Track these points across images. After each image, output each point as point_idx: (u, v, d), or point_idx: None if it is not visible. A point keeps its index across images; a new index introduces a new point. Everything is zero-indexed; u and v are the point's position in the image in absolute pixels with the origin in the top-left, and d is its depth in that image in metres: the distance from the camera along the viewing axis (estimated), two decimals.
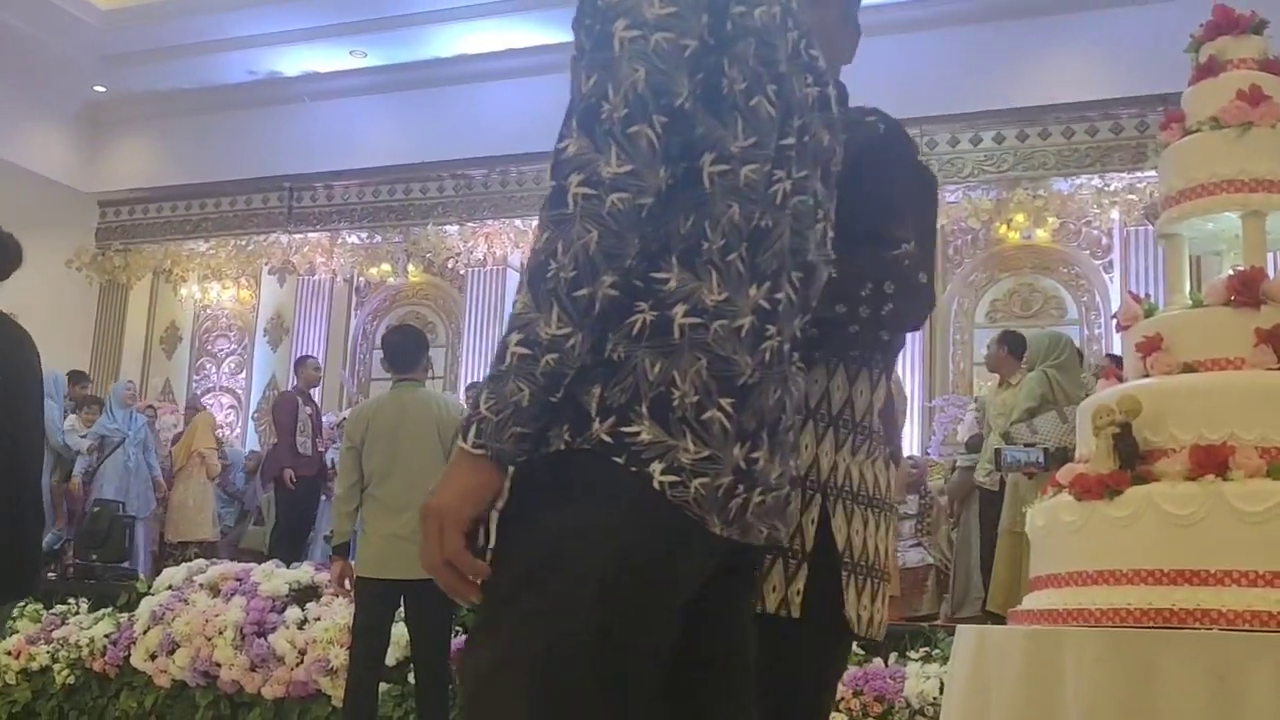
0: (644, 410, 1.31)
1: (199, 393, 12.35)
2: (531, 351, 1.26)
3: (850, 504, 1.68)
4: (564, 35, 1.41)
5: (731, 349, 1.36)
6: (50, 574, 8.18)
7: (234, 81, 11.92)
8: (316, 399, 10.07)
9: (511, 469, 1.32)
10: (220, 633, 6.13)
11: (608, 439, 1.30)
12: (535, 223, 1.35)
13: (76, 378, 10.37)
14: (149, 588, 6.84)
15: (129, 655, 6.41)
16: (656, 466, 1.30)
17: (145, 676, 6.38)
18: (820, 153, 1.50)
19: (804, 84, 1.48)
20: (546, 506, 1.31)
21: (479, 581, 1.30)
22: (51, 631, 6.80)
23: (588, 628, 1.27)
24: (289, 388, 10.24)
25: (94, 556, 8.04)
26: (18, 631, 6.86)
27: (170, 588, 6.66)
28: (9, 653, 6.77)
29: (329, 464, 8.85)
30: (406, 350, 4.94)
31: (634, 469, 1.30)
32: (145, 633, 6.37)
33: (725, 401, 1.34)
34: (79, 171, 12.74)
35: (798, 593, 1.63)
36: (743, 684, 1.46)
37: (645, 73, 1.30)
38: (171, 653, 6.24)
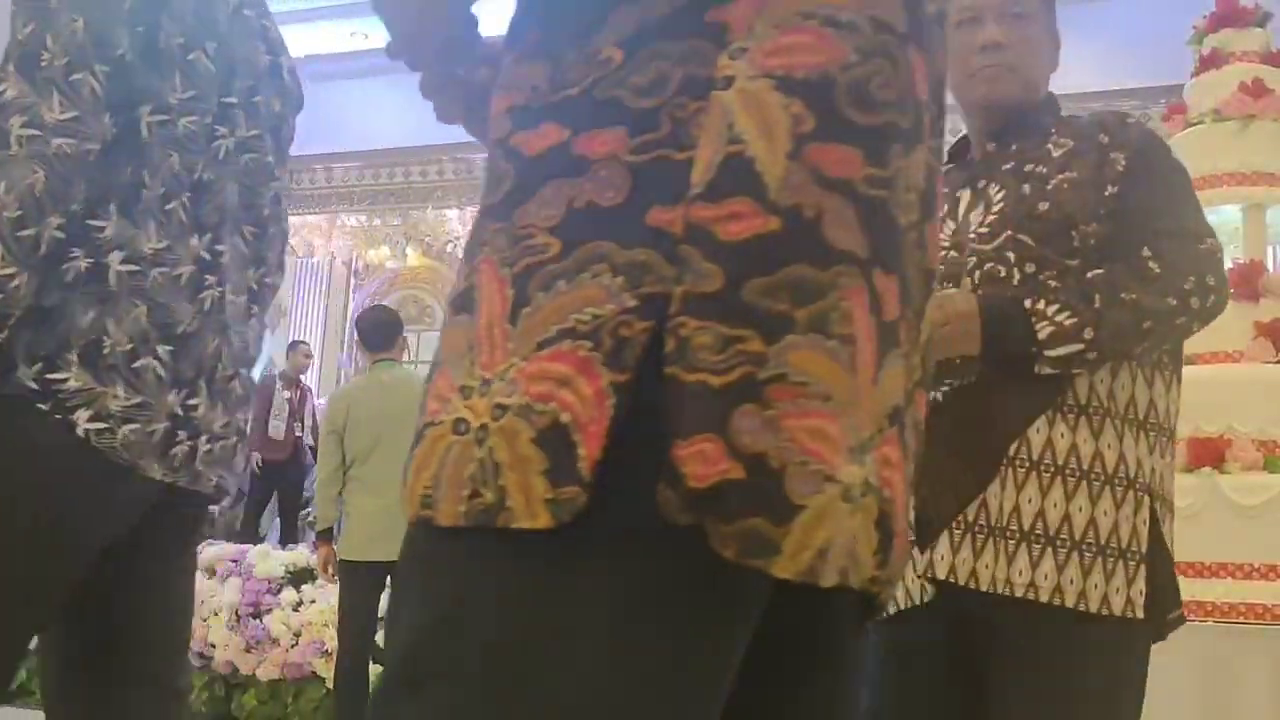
0: (73, 357, 1.33)
1: None
2: None
3: (1162, 507, 1.69)
4: None
5: (170, 297, 1.40)
6: None
7: None
8: (314, 384, 10.05)
9: None
10: (215, 614, 6.12)
11: (34, 385, 1.32)
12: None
13: None
14: None
15: None
16: (82, 414, 1.33)
17: None
18: (272, 118, 1.57)
19: (256, 50, 1.55)
20: None
21: None
22: None
23: (10, 569, 1.31)
24: (275, 371, 10.26)
25: None
26: None
27: None
28: None
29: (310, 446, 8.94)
30: (380, 329, 4.94)
31: (58, 416, 1.32)
32: None
33: (163, 349, 1.39)
34: None
35: (1140, 593, 1.61)
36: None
37: (84, 22, 1.32)
38: None
